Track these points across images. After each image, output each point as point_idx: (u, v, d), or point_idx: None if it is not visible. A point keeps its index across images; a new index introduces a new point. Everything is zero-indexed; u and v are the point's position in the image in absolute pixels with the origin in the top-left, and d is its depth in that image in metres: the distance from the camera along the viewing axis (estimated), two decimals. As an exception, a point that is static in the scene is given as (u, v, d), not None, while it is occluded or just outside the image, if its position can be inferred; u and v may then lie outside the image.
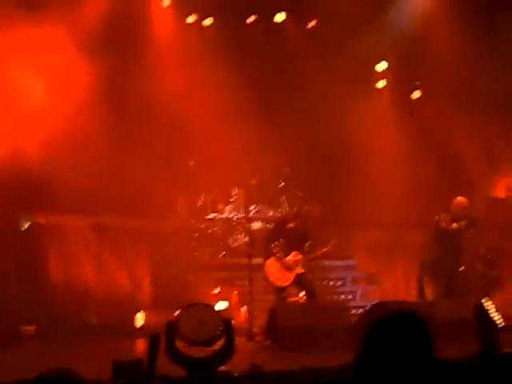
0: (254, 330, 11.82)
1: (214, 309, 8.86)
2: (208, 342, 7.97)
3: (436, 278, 13.02)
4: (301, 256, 12.38)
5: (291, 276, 12.31)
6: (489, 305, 9.80)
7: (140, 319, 13.05)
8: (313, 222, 12.69)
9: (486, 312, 8.72)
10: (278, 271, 12.31)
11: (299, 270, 12.38)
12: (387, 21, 15.17)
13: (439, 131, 15.20)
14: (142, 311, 13.10)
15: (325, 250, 12.62)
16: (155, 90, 13.73)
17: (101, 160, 13.04)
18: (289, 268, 12.31)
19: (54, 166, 12.36)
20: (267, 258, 12.35)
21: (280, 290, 12.42)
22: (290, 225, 12.57)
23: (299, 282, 12.43)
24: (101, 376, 8.22)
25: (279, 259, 12.25)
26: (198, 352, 8.17)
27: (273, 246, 12.28)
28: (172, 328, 7.92)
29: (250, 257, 12.31)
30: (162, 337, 7.79)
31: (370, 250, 14.91)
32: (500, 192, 15.51)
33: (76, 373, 5.43)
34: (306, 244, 12.50)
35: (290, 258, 12.36)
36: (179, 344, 7.98)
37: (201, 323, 7.91)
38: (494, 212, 14.82)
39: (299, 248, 12.42)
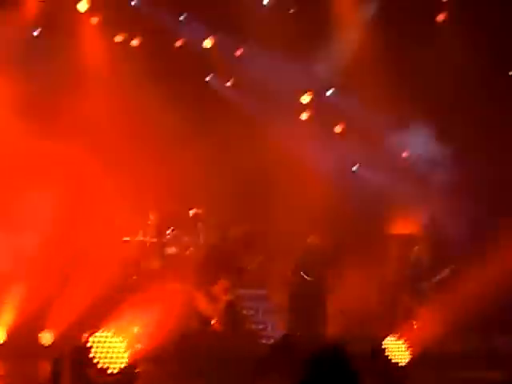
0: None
1: (121, 337, 8.76)
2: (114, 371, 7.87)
3: None
4: (228, 283, 12.31)
5: (220, 307, 12.24)
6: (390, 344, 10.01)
7: (47, 338, 12.82)
8: (240, 244, 12.65)
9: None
10: (206, 303, 12.24)
11: (228, 297, 12.29)
12: (316, 53, 15.29)
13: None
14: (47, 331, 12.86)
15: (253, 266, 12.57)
16: (83, 109, 13.61)
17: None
18: (217, 298, 12.26)
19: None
20: (196, 288, 12.25)
21: (206, 322, 12.31)
22: (219, 250, 12.50)
23: (228, 311, 12.36)
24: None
25: (207, 291, 12.19)
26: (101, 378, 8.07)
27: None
28: (81, 353, 7.81)
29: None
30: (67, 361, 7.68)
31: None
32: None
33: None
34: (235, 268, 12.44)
35: (218, 286, 12.29)
36: (86, 370, 7.87)
37: (108, 351, 7.82)
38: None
39: (227, 274, 12.36)
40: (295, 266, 13.90)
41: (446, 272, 14.01)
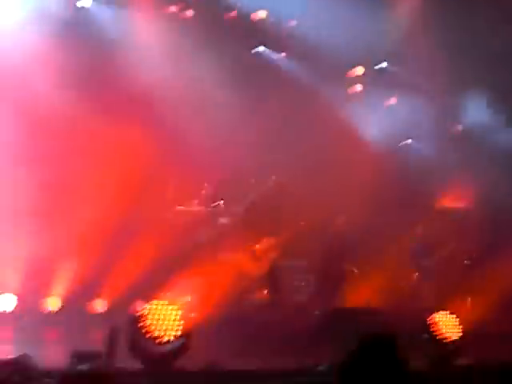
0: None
1: (176, 306, 8.88)
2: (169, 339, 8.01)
3: None
4: (271, 240, 12.39)
5: (264, 264, 12.30)
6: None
7: (100, 306, 13.05)
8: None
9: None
10: (251, 263, 12.32)
11: (271, 254, 12.36)
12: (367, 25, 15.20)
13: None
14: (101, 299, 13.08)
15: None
16: (135, 81, 13.71)
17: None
18: (260, 257, 12.34)
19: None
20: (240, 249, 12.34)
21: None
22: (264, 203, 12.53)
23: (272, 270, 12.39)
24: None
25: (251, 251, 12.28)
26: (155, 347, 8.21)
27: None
28: (135, 322, 7.95)
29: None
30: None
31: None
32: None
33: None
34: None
35: (261, 245, 12.38)
36: (141, 339, 8.01)
37: (164, 319, 7.95)
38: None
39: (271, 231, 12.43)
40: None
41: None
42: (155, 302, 8.39)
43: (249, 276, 12.63)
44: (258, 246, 12.40)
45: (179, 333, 8.24)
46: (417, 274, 14.56)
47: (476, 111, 15.46)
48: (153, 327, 8.14)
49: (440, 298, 13.10)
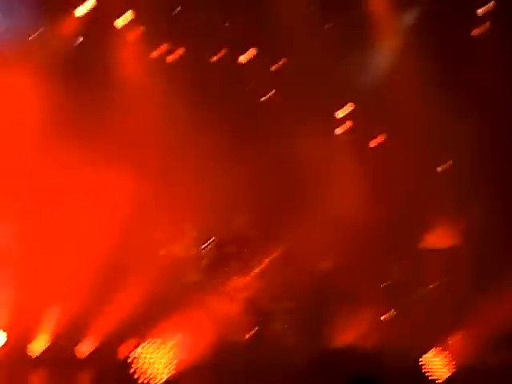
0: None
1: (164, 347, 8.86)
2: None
3: None
4: (241, 280, 12.38)
5: (236, 306, 12.30)
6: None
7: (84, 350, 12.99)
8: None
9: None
10: (223, 305, 12.32)
11: (243, 295, 12.36)
12: (352, 67, 15.33)
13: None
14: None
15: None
16: (122, 124, 13.78)
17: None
18: (232, 298, 12.33)
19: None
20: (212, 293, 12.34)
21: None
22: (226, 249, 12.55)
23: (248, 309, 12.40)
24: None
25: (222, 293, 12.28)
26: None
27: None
28: (126, 365, 7.92)
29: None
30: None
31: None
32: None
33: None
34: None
35: (230, 285, 12.37)
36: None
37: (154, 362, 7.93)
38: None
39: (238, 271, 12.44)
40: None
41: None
42: (145, 344, 8.35)
43: (230, 318, 12.59)
44: (229, 286, 12.39)
45: (170, 375, 8.19)
46: (400, 311, 14.56)
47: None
48: (145, 369, 8.09)
49: (426, 336, 13.12)
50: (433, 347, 10.63)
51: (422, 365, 10.10)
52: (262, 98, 15.93)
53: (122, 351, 12.25)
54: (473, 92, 14.74)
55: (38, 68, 13.51)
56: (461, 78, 14.83)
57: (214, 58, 15.51)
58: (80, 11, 14.39)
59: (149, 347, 8.57)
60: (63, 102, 13.37)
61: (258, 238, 13.98)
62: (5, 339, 12.76)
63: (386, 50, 15.61)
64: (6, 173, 13.09)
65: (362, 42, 15.30)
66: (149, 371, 8.39)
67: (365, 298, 13.89)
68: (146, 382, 8.23)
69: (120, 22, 14.77)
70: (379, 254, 14.71)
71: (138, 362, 8.42)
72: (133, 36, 15.04)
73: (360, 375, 4.79)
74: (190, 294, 13.44)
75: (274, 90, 15.84)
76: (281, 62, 15.71)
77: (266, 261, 12.93)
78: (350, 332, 13.80)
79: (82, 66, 14.21)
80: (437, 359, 10.25)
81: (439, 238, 15.51)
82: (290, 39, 14.95)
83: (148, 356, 8.42)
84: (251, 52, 15.60)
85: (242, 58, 15.59)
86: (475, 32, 15.37)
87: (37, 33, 14.04)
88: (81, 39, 14.59)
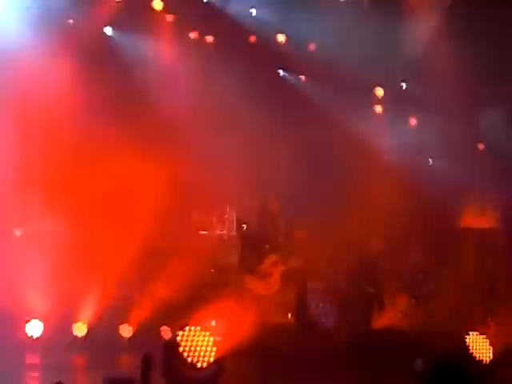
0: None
1: (207, 331, 8.92)
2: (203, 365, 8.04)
3: None
4: (274, 256, 12.39)
5: (274, 279, 12.33)
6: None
7: (126, 332, 13.07)
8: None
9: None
10: (259, 282, 12.36)
11: (279, 268, 12.38)
12: (388, 46, 15.26)
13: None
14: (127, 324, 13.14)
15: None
16: (161, 108, 13.82)
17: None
18: (268, 274, 12.36)
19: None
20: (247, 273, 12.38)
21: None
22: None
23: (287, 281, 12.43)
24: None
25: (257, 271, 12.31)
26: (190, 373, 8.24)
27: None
28: (170, 348, 7.99)
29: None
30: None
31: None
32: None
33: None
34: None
35: (265, 262, 12.39)
36: (175, 365, 8.05)
37: (197, 345, 7.99)
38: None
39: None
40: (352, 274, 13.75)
41: None
42: (189, 328, 8.43)
43: (270, 299, 12.64)
44: (264, 263, 12.43)
45: (212, 359, 8.27)
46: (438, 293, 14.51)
47: (497, 129, 15.46)
48: (187, 353, 8.17)
49: (461, 319, 13.09)
50: (473, 329, 10.58)
51: (467, 345, 10.08)
52: (302, 77, 15.92)
53: (163, 335, 12.39)
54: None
55: (78, 52, 13.55)
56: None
57: (247, 41, 15.51)
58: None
59: (191, 330, 8.61)
60: (98, 88, 13.42)
61: (298, 217, 14.00)
62: (42, 329, 12.89)
63: (423, 29, 15.54)
64: (47, 161, 13.20)
65: (399, 21, 15.26)
66: (192, 354, 8.45)
67: (405, 280, 13.85)
68: (189, 365, 8.29)
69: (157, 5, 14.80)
70: (418, 234, 14.66)
71: (182, 345, 8.48)
72: (167, 21, 15.08)
73: (447, 363, 4.87)
74: (229, 276, 13.48)
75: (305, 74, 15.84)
76: (316, 43, 15.67)
77: (302, 240, 12.93)
78: (390, 313, 13.82)
79: (119, 52, 14.24)
80: (480, 339, 10.21)
81: (476, 218, 15.45)
82: (325, 20, 14.91)
83: (191, 339, 8.48)
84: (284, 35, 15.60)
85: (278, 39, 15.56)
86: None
87: (75, 18, 14.07)
88: (117, 24, 14.62)
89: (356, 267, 13.67)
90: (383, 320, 13.54)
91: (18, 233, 13.52)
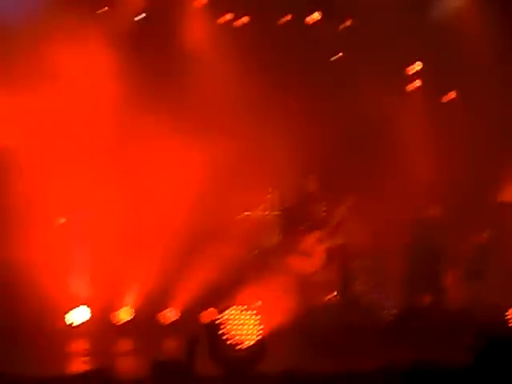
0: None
1: (251, 311, 8.93)
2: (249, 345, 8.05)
3: None
4: (317, 233, 12.36)
5: (318, 258, 12.31)
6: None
7: (171, 315, 13.15)
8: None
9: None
10: (302, 261, 12.36)
11: (323, 246, 12.36)
12: (421, 22, 15.11)
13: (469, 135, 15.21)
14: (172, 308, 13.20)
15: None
16: (188, 90, 13.84)
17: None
18: (311, 252, 12.36)
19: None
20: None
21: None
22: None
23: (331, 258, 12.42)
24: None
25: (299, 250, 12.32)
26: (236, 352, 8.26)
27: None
28: (214, 330, 8.01)
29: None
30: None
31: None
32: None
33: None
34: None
35: (307, 240, 12.38)
36: (221, 345, 8.07)
37: (243, 325, 8.00)
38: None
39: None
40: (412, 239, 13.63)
41: None
42: (233, 307, 8.44)
43: (312, 279, 12.62)
44: (307, 242, 12.41)
45: (258, 338, 8.28)
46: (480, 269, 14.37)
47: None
48: (233, 333, 8.19)
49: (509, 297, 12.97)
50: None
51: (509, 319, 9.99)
52: (332, 58, 15.84)
53: (206, 317, 12.42)
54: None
55: (110, 41, 13.59)
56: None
57: (281, 21, 15.43)
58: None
59: (234, 312, 8.63)
60: (136, 74, 13.48)
61: (334, 196, 13.96)
62: (89, 314, 13.00)
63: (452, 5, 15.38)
64: (89, 149, 13.29)
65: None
66: (235, 336, 8.47)
67: (448, 257, 13.72)
68: (233, 346, 8.31)
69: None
70: (456, 212, 14.50)
71: (224, 327, 8.50)
72: (199, 4, 15.06)
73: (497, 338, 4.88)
74: (270, 257, 13.48)
75: (342, 51, 15.73)
76: (347, 23, 15.56)
77: (344, 217, 12.88)
78: (431, 289, 13.73)
79: (152, 37, 14.28)
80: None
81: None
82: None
83: (234, 321, 8.49)
84: (316, 15, 15.50)
85: (309, 19, 15.47)
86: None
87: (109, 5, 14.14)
88: (148, 10, 14.64)
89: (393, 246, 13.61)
90: (428, 296, 13.50)
91: (61, 220, 13.62)
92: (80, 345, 12.19)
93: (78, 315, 12.98)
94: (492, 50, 14.62)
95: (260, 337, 8.42)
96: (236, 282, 13.33)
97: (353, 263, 13.29)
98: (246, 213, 14.87)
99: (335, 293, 12.87)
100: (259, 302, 12.73)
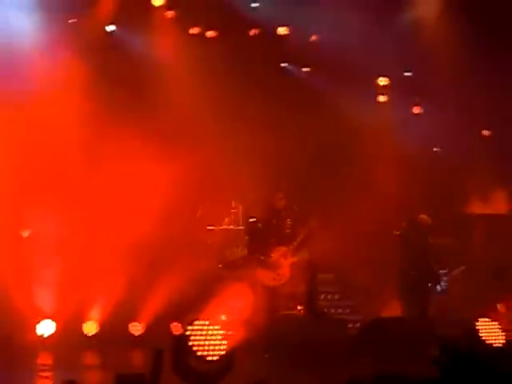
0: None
1: (217, 324, 8.92)
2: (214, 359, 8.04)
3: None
4: (285, 249, 12.41)
5: (284, 271, 12.36)
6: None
7: (137, 329, 13.09)
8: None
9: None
10: (268, 273, 12.39)
11: (289, 260, 12.42)
12: (390, 34, 15.22)
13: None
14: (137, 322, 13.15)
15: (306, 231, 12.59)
16: (162, 103, 13.84)
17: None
18: (277, 264, 12.39)
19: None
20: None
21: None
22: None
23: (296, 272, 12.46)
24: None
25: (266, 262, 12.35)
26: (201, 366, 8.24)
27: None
28: (180, 342, 7.99)
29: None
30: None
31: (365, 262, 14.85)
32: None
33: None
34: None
35: (275, 254, 12.42)
36: (186, 359, 8.05)
37: (208, 339, 7.99)
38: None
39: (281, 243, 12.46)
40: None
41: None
42: (198, 322, 8.43)
43: (278, 291, 12.65)
44: (273, 256, 12.45)
45: (224, 351, 8.27)
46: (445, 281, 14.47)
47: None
48: (199, 347, 8.18)
49: (470, 306, 13.05)
50: (484, 316, 10.55)
51: (477, 330, 10.06)
52: (304, 69, 15.91)
53: (172, 330, 12.39)
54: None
55: (78, 52, 13.58)
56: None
57: (250, 34, 15.48)
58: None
59: (199, 325, 8.62)
60: (104, 85, 13.48)
61: (305, 208, 13.99)
62: (54, 328, 12.92)
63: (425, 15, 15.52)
64: (55, 161, 13.25)
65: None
66: (202, 348, 8.46)
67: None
68: (200, 358, 8.30)
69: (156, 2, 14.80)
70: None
71: (190, 341, 8.48)
72: (168, 17, 15.07)
73: (462, 350, 4.94)
74: (238, 270, 13.49)
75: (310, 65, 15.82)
76: (316, 36, 15.64)
77: (310, 232, 12.92)
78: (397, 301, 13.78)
79: (120, 49, 14.29)
80: (491, 325, 10.19)
81: (485, 204, 15.42)
82: (326, 10, 14.90)
83: (201, 333, 8.48)
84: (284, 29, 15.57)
85: (280, 31, 15.54)
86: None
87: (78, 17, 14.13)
88: (118, 22, 14.67)
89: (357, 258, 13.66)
90: (394, 309, 13.53)
91: (24, 234, 13.54)
92: (46, 358, 12.10)
93: (44, 328, 12.88)
94: (459, 60, 14.77)
95: (226, 350, 8.40)
96: (202, 296, 13.32)
97: (318, 277, 13.35)
98: (211, 226, 14.88)
99: (301, 306, 12.88)
100: (224, 316, 12.79)
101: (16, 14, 13.48)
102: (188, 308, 12.25)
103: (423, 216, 13.20)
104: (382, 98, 16.36)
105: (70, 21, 14.22)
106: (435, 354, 5.37)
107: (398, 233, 13.34)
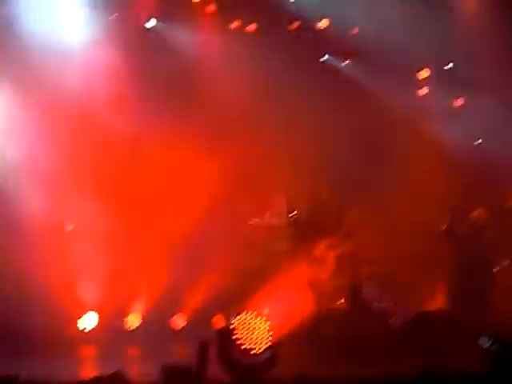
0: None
1: (262, 317, 8.94)
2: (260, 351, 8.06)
3: None
4: (328, 241, 12.40)
5: (329, 264, 12.35)
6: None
7: (179, 322, 13.17)
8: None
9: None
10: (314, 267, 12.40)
11: (334, 252, 12.41)
12: (431, 26, 15.11)
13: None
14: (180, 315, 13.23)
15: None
16: (206, 98, 13.88)
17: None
18: (322, 258, 12.38)
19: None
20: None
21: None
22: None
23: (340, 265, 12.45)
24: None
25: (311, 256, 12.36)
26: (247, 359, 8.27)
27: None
28: (225, 335, 8.02)
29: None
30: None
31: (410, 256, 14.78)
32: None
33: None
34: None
35: (319, 247, 12.42)
36: (232, 351, 8.08)
37: (254, 331, 8.00)
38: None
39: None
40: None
41: None
42: (244, 314, 8.45)
43: (322, 285, 12.65)
44: (317, 249, 12.44)
45: (269, 344, 8.29)
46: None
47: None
48: (244, 339, 8.20)
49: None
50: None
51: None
52: (343, 63, 15.85)
53: (217, 323, 12.44)
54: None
55: (121, 47, 13.64)
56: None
57: (290, 28, 15.44)
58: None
59: (245, 318, 8.64)
60: (148, 81, 13.57)
61: (350, 202, 13.97)
62: (96, 320, 13.03)
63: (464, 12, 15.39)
64: (99, 154, 13.35)
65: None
66: (247, 342, 8.48)
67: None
68: (245, 351, 8.32)
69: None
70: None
71: (235, 333, 8.51)
72: (208, 12, 15.09)
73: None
74: (280, 264, 13.49)
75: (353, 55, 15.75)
76: (360, 27, 15.56)
77: (354, 225, 12.89)
78: (441, 295, 13.70)
79: (164, 44, 14.33)
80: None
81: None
82: (369, 4, 14.83)
83: (246, 325, 8.50)
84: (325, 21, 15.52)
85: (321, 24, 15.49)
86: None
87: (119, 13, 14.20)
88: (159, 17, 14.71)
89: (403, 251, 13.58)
90: (436, 302, 13.46)
91: (68, 227, 13.66)
92: (90, 351, 12.22)
93: (87, 321, 13.00)
94: (502, 50, 14.63)
95: (271, 343, 8.41)
96: (246, 288, 13.35)
97: (363, 270, 13.30)
98: (256, 219, 14.87)
99: (342, 300, 12.87)
100: (267, 309, 12.78)
101: (61, 11, 13.56)
102: (230, 302, 12.31)
103: (479, 210, 13.06)
104: (423, 90, 16.22)
105: (109, 17, 14.25)
106: (485, 346, 5.31)
107: (444, 227, 13.20)
